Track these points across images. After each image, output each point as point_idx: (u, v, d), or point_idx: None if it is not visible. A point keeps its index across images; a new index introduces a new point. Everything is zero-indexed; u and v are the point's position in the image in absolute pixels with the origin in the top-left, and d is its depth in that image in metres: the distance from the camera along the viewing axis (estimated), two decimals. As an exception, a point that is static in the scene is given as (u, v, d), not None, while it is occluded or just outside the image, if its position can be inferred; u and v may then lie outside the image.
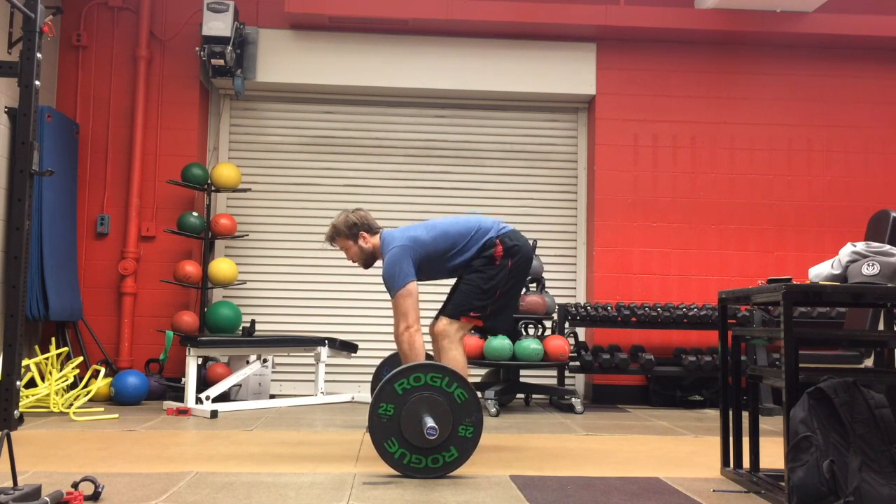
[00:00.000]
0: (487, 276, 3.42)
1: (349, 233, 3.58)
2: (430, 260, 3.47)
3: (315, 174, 6.21)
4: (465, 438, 2.92)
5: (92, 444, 3.54)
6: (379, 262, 3.62)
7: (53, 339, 5.20)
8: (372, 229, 3.59)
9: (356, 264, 3.67)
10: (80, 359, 5.08)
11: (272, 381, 5.65)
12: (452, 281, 3.61)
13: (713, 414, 5.13)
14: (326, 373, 5.55)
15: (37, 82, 3.90)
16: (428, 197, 6.22)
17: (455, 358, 3.39)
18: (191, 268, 5.54)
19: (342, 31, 5.97)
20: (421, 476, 2.89)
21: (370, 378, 6.01)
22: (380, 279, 3.58)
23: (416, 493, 2.66)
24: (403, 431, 2.89)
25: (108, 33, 5.90)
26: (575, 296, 6.22)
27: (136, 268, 5.73)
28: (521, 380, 5.37)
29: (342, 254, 6.49)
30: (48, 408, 4.58)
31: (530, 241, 5.41)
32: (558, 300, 5.66)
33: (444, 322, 3.44)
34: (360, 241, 3.58)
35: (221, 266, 5.61)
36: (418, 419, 2.87)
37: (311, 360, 5.51)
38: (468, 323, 3.45)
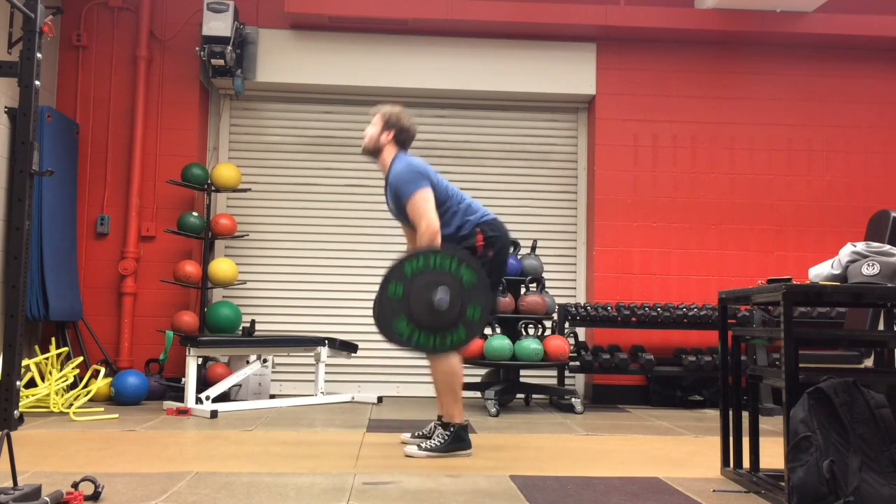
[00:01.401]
0: None
1: (385, 121, 3.58)
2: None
3: (315, 174, 6.21)
4: (472, 320, 2.94)
5: (92, 444, 3.54)
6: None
7: (53, 339, 5.20)
8: (398, 138, 3.57)
9: (364, 148, 3.64)
10: (80, 359, 5.08)
11: (272, 381, 5.65)
12: None
13: (713, 414, 5.13)
14: (326, 373, 5.55)
15: (37, 82, 3.90)
16: (428, 197, 6.21)
17: (448, 360, 3.37)
18: (191, 268, 5.54)
19: (342, 31, 5.97)
20: (427, 352, 2.90)
21: (370, 378, 6.05)
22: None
23: (416, 493, 2.66)
24: (412, 311, 2.91)
25: (108, 33, 5.90)
26: (575, 296, 6.22)
27: (136, 268, 5.73)
28: (521, 380, 5.37)
29: (342, 253, 6.57)
30: (48, 408, 4.58)
31: (531, 242, 5.43)
32: (558, 300, 5.66)
33: None
34: (383, 134, 3.56)
35: (221, 266, 5.61)
36: (427, 298, 2.89)
37: (311, 360, 5.51)
38: None
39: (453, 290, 2.92)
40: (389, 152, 3.57)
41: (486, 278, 3.02)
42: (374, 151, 3.61)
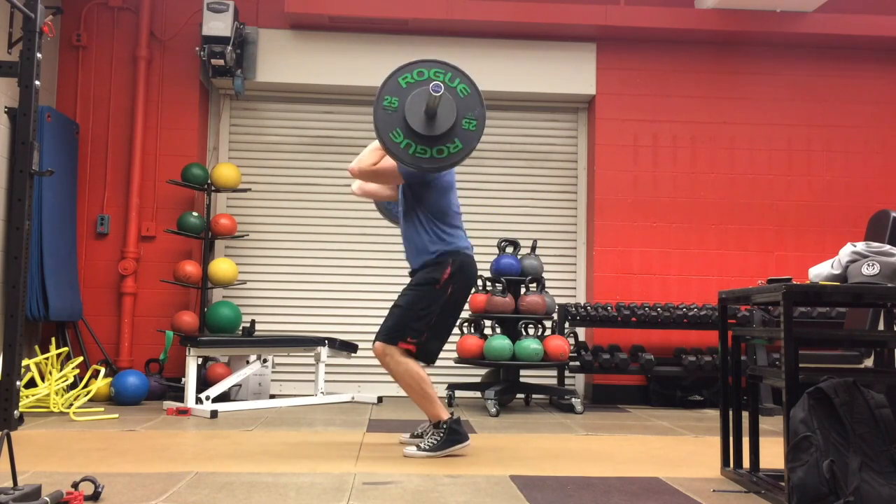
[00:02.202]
0: (427, 301, 3.39)
1: None
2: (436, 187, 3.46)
3: (315, 174, 6.21)
4: (468, 131, 2.98)
5: (92, 444, 3.54)
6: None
7: (53, 339, 5.20)
8: None
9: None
10: (80, 359, 5.08)
11: (272, 381, 5.65)
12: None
13: (713, 414, 5.13)
14: (326, 373, 5.55)
15: (37, 82, 3.90)
16: (428, 197, 6.21)
17: (407, 370, 3.38)
18: (191, 268, 5.54)
19: (342, 31, 5.97)
20: (426, 165, 2.92)
21: (370, 378, 6.05)
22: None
23: (416, 493, 2.66)
24: (408, 121, 2.93)
25: (108, 33, 5.90)
26: (575, 296, 6.22)
27: (136, 268, 5.73)
28: (521, 380, 5.37)
29: (342, 253, 6.56)
30: (48, 408, 4.58)
31: (531, 242, 5.43)
32: (558, 300, 5.66)
33: (380, 346, 3.42)
34: None
35: (221, 266, 5.61)
36: (421, 108, 2.92)
37: (311, 360, 5.50)
38: (403, 346, 3.39)
39: (448, 103, 2.96)
40: None
41: (480, 92, 3.08)
42: None
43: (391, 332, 3.42)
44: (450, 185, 3.52)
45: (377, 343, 3.44)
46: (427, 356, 3.47)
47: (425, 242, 3.47)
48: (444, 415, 3.41)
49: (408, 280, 3.60)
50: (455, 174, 3.57)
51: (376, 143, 3.39)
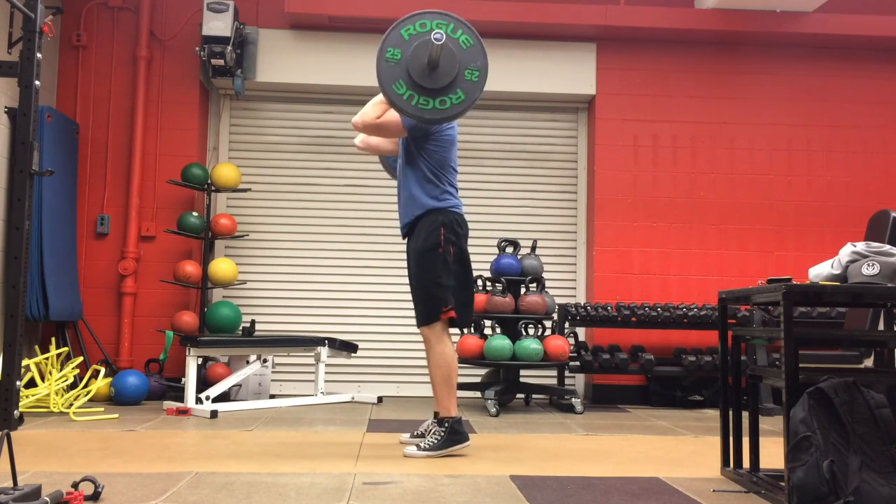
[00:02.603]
0: (437, 268, 3.42)
1: None
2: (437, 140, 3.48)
3: (315, 174, 6.21)
4: (471, 82, 3.00)
5: (92, 444, 3.54)
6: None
7: (53, 339, 5.20)
8: None
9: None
10: (80, 359, 5.08)
11: (272, 381, 5.65)
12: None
13: (713, 414, 5.13)
14: (326, 373, 5.55)
15: (37, 82, 3.90)
16: (428, 197, 6.21)
17: (443, 352, 3.42)
18: (191, 268, 5.54)
19: (342, 31, 5.97)
20: (429, 117, 2.97)
21: (370, 378, 6.05)
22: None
23: (416, 493, 2.66)
24: (411, 73, 2.95)
25: (108, 33, 5.90)
26: (575, 296, 6.22)
27: (136, 268, 5.73)
28: (521, 380, 5.37)
29: (342, 253, 6.56)
30: (48, 408, 4.58)
31: (531, 242, 5.43)
32: (558, 300, 5.66)
33: (425, 330, 3.46)
34: None
35: (221, 266, 5.61)
36: (424, 59, 2.92)
37: (311, 360, 5.50)
38: (445, 319, 3.44)
39: (450, 53, 2.97)
40: None
41: (482, 43, 3.10)
42: None
43: (427, 313, 3.44)
44: (451, 140, 3.55)
45: (422, 329, 3.46)
46: (463, 316, 3.53)
47: (419, 196, 3.49)
48: (454, 412, 3.42)
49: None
50: (457, 130, 3.58)
51: (380, 97, 3.40)
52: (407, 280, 3.63)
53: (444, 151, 3.51)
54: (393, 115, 3.39)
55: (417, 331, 3.54)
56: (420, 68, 2.94)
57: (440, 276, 3.43)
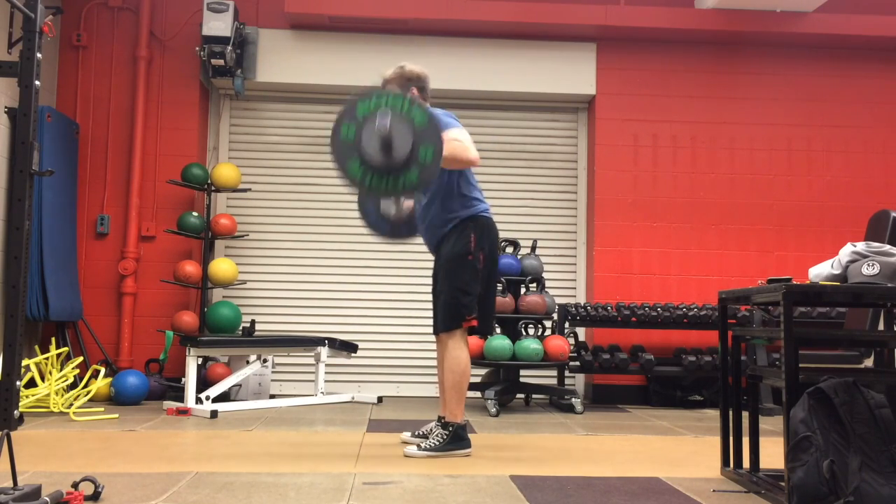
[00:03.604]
0: (467, 276, 3.40)
1: (406, 82, 3.55)
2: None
3: (315, 174, 6.21)
4: (424, 161, 2.92)
5: (92, 444, 3.54)
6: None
7: (53, 339, 5.20)
8: (425, 92, 3.58)
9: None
10: (80, 359, 5.08)
11: (272, 381, 5.65)
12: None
13: (713, 414, 5.13)
14: (326, 373, 5.55)
15: (37, 82, 3.90)
16: (428, 197, 6.22)
17: (459, 357, 3.41)
18: (191, 268, 5.54)
19: (342, 31, 5.97)
20: (382, 195, 2.92)
21: (370, 378, 6.05)
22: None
23: (416, 493, 2.66)
24: (364, 150, 2.90)
25: (108, 33, 5.90)
26: (575, 296, 6.22)
27: (136, 268, 5.73)
28: (521, 380, 5.37)
29: (342, 253, 6.55)
30: (48, 408, 4.58)
31: (531, 242, 5.43)
32: (558, 300, 5.66)
33: (444, 336, 3.44)
34: (407, 91, 3.48)
35: (221, 266, 5.61)
36: (377, 139, 2.89)
37: (311, 360, 5.50)
38: (466, 327, 3.44)
39: (405, 130, 2.90)
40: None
41: (437, 121, 3.00)
42: None
43: (448, 319, 3.42)
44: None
45: (440, 335, 3.45)
46: (485, 327, 3.54)
47: (448, 212, 3.45)
48: (460, 418, 3.42)
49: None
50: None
51: (464, 135, 3.29)
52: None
53: (470, 175, 3.49)
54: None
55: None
56: (373, 148, 2.89)
57: (468, 283, 3.41)
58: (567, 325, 5.51)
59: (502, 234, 3.65)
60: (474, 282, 3.42)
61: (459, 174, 3.45)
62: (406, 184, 2.90)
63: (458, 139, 3.24)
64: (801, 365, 2.57)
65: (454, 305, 3.41)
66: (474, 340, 5.13)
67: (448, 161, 3.16)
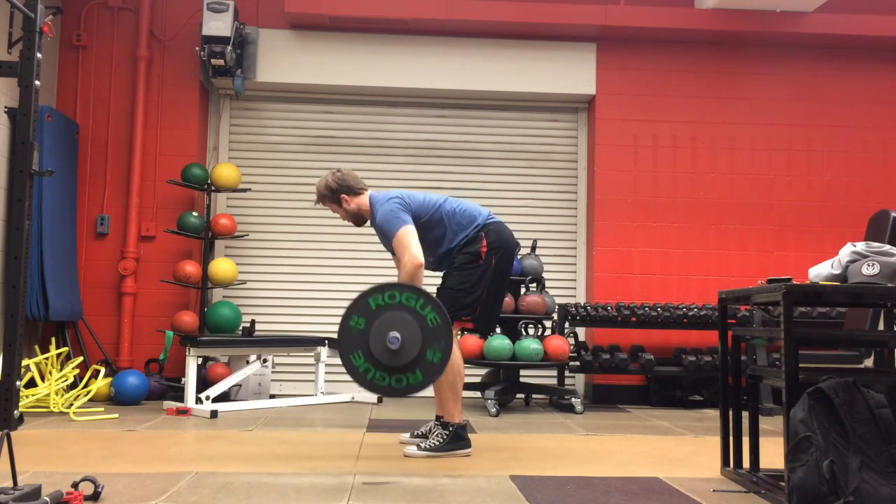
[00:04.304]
0: (475, 278, 3.43)
1: (332, 195, 3.60)
2: (421, 223, 3.47)
3: (315, 174, 6.13)
4: (431, 364, 2.89)
5: (92, 444, 3.54)
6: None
7: (53, 339, 5.20)
8: (353, 190, 3.60)
9: (350, 223, 3.70)
10: (80, 359, 5.08)
11: (272, 381, 5.65)
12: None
13: (713, 414, 5.13)
14: (326, 373, 5.54)
15: (37, 82, 3.90)
16: (428, 197, 6.22)
17: (451, 358, 3.40)
18: (191, 268, 5.54)
19: (342, 31, 5.97)
20: (382, 393, 2.89)
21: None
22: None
23: (416, 493, 2.66)
24: (371, 346, 2.87)
25: (108, 33, 5.90)
26: (575, 296, 6.22)
27: (136, 268, 5.73)
28: (521, 380, 5.37)
29: (342, 253, 6.57)
30: (48, 408, 4.58)
31: (531, 242, 5.43)
32: (558, 300, 5.66)
33: None
34: (343, 204, 3.59)
35: (221, 266, 5.61)
36: (387, 335, 2.87)
37: (311, 360, 5.51)
38: (459, 326, 3.45)
39: (414, 331, 2.87)
40: (362, 204, 3.60)
41: (449, 322, 2.98)
42: (362, 219, 3.65)
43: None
44: (440, 215, 3.52)
45: None
46: (484, 327, 3.57)
47: (457, 238, 3.50)
48: (458, 418, 3.42)
49: None
50: (418, 200, 3.53)
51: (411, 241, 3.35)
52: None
53: (455, 213, 3.54)
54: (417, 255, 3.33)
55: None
56: (380, 344, 2.86)
57: (473, 285, 3.42)
58: (567, 325, 5.51)
59: (496, 216, 3.67)
60: (479, 285, 3.43)
61: (449, 217, 3.50)
62: (409, 384, 2.88)
63: (404, 259, 3.30)
64: (801, 365, 2.57)
65: (452, 304, 3.41)
66: (474, 340, 5.13)
67: (408, 281, 3.27)
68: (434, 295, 3.51)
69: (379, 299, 2.92)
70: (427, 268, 3.53)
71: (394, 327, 2.87)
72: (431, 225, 3.50)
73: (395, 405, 5.36)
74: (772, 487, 2.67)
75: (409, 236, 3.36)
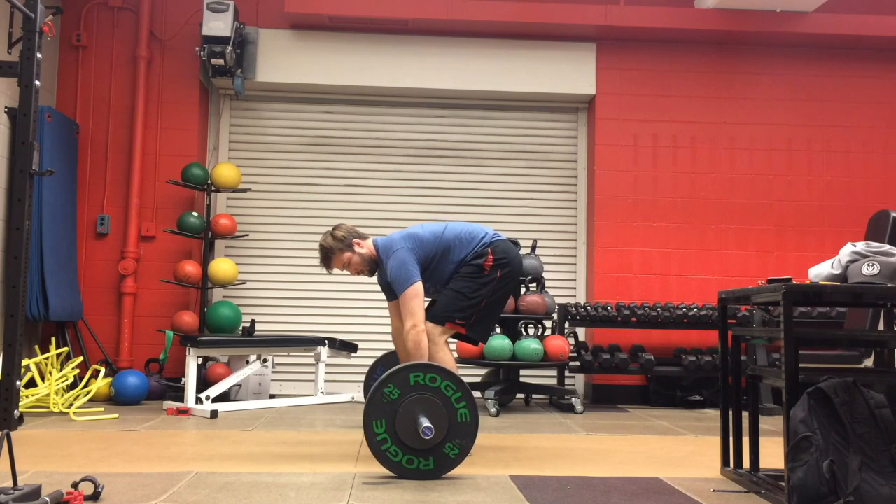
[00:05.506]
0: (476, 286, 3.44)
1: (344, 245, 3.60)
2: (430, 261, 3.49)
3: (315, 174, 6.21)
4: (447, 456, 2.91)
5: (92, 444, 3.54)
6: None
7: (53, 339, 5.20)
8: (361, 235, 3.63)
9: (362, 274, 3.67)
10: (80, 359, 5.08)
11: (272, 381, 5.65)
12: None
13: (713, 414, 5.13)
14: (326, 373, 5.55)
15: (37, 82, 3.90)
16: (428, 197, 6.22)
17: (443, 359, 3.40)
18: (191, 268, 5.54)
19: (342, 31, 5.97)
20: (390, 468, 2.90)
21: (370, 378, 6.05)
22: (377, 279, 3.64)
23: (416, 493, 2.66)
24: (397, 420, 2.88)
25: (108, 33, 5.90)
26: (575, 296, 6.22)
27: (136, 268, 5.73)
28: (521, 380, 5.36)
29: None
30: (48, 408, 4.58)
31: (531, 242, 5.42)
32: (558, 300, 5.66)
33: (428, 325, 3.43)
34: (357, 248, 3.59)
35: (221, 266, 5.61)
36: (415, 416, 2.87)
37: (311, 360, 5.51)
38: (451, 329, 3.47)
39: (443, 420, 2.88)
40: (370, 250, 3.61)
41: (477, 421, 2.97)
42: (375, 264, 3.63)
43: (439, 313, 3.46)
44: (446, 244, 3.52)
45: (426, 322, 3.44)
46: (476, 336, 3.55)
47: (463, 258, 3.51)
48: None
49: None
50: (423, 235, 3.53)
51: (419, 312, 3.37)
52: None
53: (458, 237, 3.54)
54: (419, 309, 3.36)
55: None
56: (407, 424, 2.86)
57: (474, 292, 3.43)
58: (567, 325, 5.51)
59: (502, 234, 3.66)
60: (479, 293, 3.44)
61: (453, 244, 3.50)
62: (419, 469, 2.89)
63: (407, 325, 3.31)
64: (801, 365, 2.57)
65: (450, 304, 3.44)
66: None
67: (415, 347, 3.29)
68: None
69: (420, 377, 2.92)
70: (439, 284, 3.56)
71: (425, 412, 2.88)
72: (437, 259, 3.51)
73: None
74: (772, 487, 2.66)
75: (417, 299, 3.36)
